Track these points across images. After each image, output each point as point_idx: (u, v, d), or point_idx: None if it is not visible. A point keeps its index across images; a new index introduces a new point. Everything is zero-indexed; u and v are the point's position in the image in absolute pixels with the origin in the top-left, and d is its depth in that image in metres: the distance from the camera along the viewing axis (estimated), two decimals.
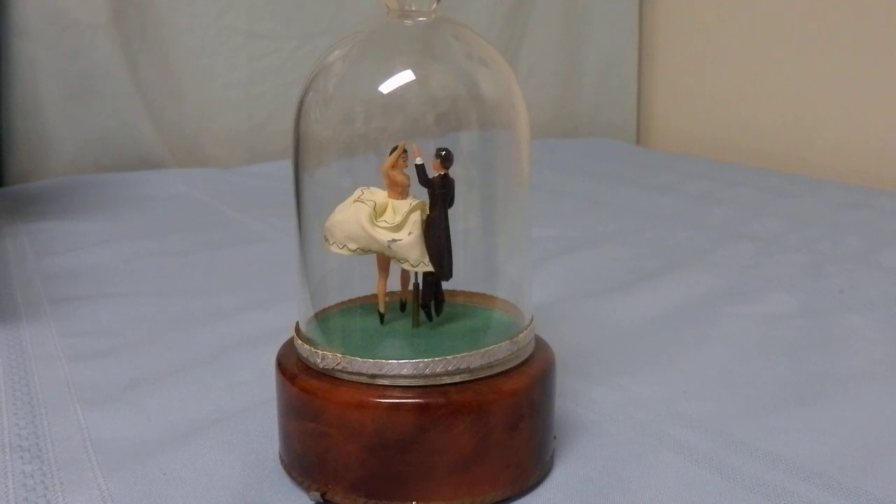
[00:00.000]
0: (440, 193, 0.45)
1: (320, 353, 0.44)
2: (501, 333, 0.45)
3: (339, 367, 0.43)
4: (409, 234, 0.44)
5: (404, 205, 0.45)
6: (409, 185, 0.45)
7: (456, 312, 0.48)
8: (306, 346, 0.45)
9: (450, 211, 0.45)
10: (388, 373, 0.42)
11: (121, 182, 1.27)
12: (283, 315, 0.64)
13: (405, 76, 0.45)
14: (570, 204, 1.18)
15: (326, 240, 0.46)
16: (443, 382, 0.42)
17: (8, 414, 0.54)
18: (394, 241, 0.44)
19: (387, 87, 0.45)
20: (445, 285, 0.47)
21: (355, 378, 0.43)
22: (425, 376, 0.42)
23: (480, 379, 0.43)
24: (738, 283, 0.82)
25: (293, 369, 0.45)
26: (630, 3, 1.79)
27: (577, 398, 0.56)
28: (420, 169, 0.44)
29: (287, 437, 0.45)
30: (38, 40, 1.26)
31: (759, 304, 0.75)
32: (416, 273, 0.46)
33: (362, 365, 0.42)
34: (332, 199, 0.46)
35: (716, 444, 0.50)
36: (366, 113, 0.47)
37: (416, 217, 0.45)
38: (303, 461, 0.44)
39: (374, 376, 0.42)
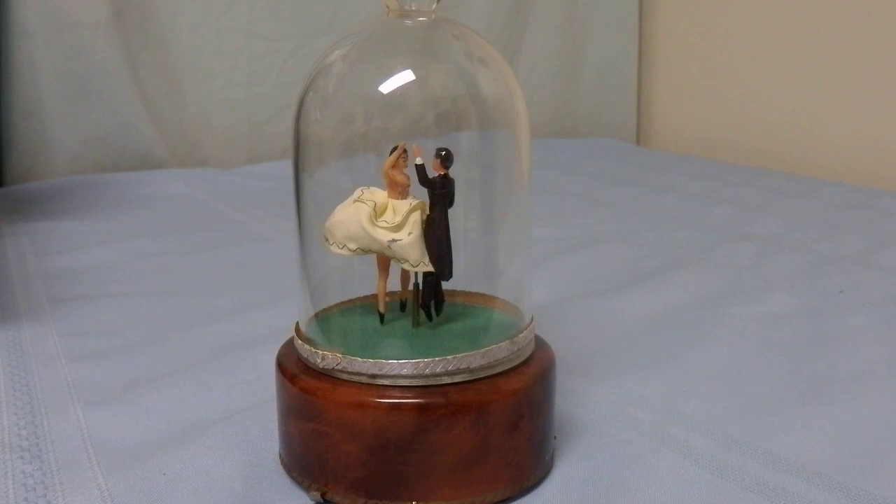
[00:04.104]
0: (440, 193, 0.45)
1: (320, 353, 0.44)
2: (501, 333, 0.45)
3: (339, 367, 0.43)
4: (409, 234, 0.44)
5: (404, 205, 0.45)
6: (409, 185, 0.45)
7: (456, 312, 0.48)
8: (306, 346, 0.45)
9: (450, 211, 0.45)
10: (388, 373, 0.42)
11: (121, 182, 1.27)
12: (283, 315, 0.64)
13: (405, 76, 0.45)
14: (570, 204, 1.18)
15: (326, 240, 0.46)
16: (443, 382, 0.42)
17: (8, 414, 0.54)
18: (394, 241, 0.44)
19: (387, 87, 0.45)
20: (445, 285, 0.47)
21: (355, 378, 0.43)
22: (425, 376, 0.42)
23: (480, 379, 0.43)
24: (738, 283, 0.82)
25: (293, 369, 0.45)
26: (630, 3, 1.79)
27: (577, 398, 0.56)
28: (420, 169, 0.44)
29: (287, 437, 0.45)
30: (38, 40, 1.26)
31: (759, 304, 0.75)
32: (416, 273, 0.46)
33: (362, 365, 0.43)
34: (332, 199, 0.46)
35: (716, 444, 0.50)
36: (366, 113, 0.47)
37: (416, 217, 0.45)
38: (303, 461, 0.44)
39: (374, 376, 0.42)
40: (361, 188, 0.46)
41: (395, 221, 0.45)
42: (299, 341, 0.46)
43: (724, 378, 0.60)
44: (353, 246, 0.45)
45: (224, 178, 1.34)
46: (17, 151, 1.29)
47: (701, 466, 0.48)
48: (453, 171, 0.45)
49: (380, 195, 0.45)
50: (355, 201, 0.45)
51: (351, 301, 0.50)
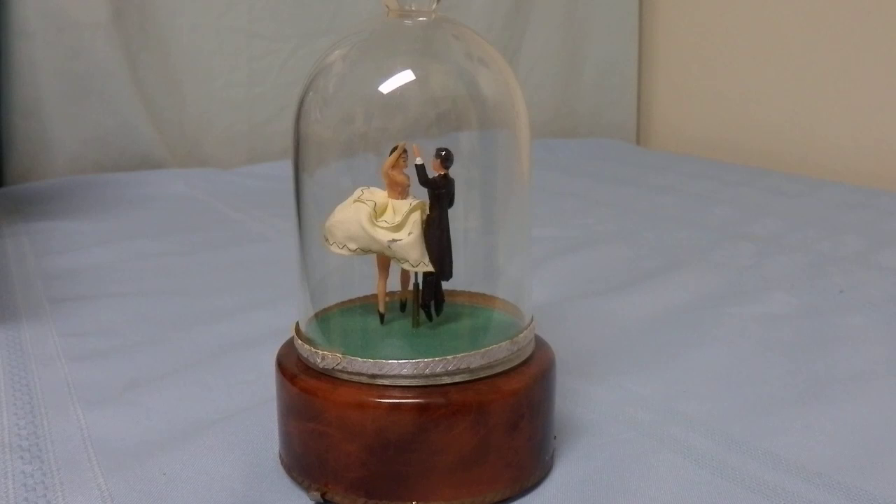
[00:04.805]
0: (440, 193, 0.45)
1: (320, 353, 0.44)
2: (501, 333, 0.45)
3: (339, 367, 0.43)
4: (409, 234, 0.44)
5: (404, 205, 0.45)
6: (409, 185, 0.45)
7: (456, 312, 0.48)
8: (306, 346, 0.45)
9: (450, 211, 0.45)
10: (388, 373, 0.42)
11: (121, 182, 1.27)
12: (283, 315, 0.64)
13: (405, 76, 0.45)
14: (570, 204, 1.18)
15: (326, 240, 0.46)
16: (443, 382, 0.42)
17: (8, 414, 0.54)
18: (394, 241, 0.44)
19: (387, 87, 0.45)
20: (445, 285, 0.47)
21: (355, 378, 0.43)
22: (425, 376, 0.42)
23: (480, 379, 0.43)
24: (738, 283, 0.82)
25: (293, 369, 0.45)
26: (630, 3, 1.79)
27: (577, 398, 0.56)
28: (420, 169, 0.44)
29: (287, 437, 0.45)
30: (38, 40, 1.26)
31: (759, 304, 0.75)
32: (416, 273, 0.46)
33: (362, 365, 0.43)
34: (332, 199, 0.46)
35: (716, 444, 0.50)
36: (366, 113, 0.47)
37: (416, 217, 0.45)
38: (303, 461, 0.44)
39: (374, 376, 0.42)
40: (361, 188, 0.46)
41: (395, 221, 0.45)
42: (299, 341, 0.46)
43: (724, 378, 0.60)
44: (353, 246, 0.45)
45: (224, 178, 1.34)
46: (17, 151, 1.29)
47: (701, 466, 0.48)
48: (453, 171, 0.45)
49: (380, 195, 0.45)
50: (355, 201, 0.45)
51: (351, 301, 0.50)
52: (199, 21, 1.39)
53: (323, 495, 0.43)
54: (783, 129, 1.55)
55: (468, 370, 0.43)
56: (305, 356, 0.45)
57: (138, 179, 1.29)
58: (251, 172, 1.37)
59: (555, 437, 0.48)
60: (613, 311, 0.74)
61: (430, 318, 0.47)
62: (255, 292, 0.78)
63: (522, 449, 0.44)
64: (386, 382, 0.42)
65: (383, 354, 0.43)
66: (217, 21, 1.40)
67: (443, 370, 0.42)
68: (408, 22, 0.47)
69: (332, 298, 0.49)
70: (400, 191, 0.45)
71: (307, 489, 0.44)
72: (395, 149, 0.45)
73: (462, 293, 0.50)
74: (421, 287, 0.47)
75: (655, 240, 0.99)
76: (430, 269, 0.45)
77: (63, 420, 0.53)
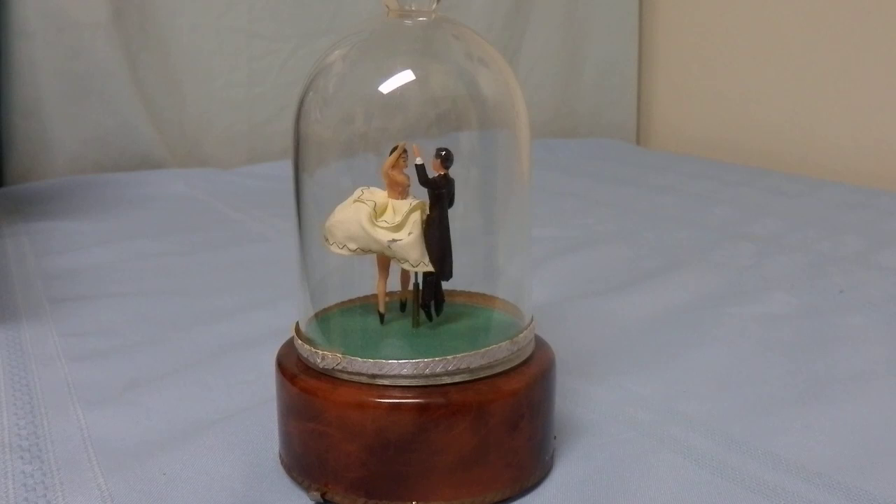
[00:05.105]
0: (440, 193, 0.45)
1: (320, 353, 0.44)
2: (501, 333, 0.45)
3: (339, 367, 0.43)
4: (409, 234, 0.44)
5: (404, 205, 0.45)
6: (409, 185, 0.45)
7: (456, 312, 0.48)
8: (306, 346, 0.45)
9: (450, 211, 0.45)
10: (388, 373, 0.42)
11: (121, 182, 1.27)
12: (283, 315, 0.64)
13: (405, 76, 0.45)
14: (570, 204, 1.18)
15: (326, 240, 0.46)
16: (443, 382, 0.42)
17: (8, 414, 0.54)
18: (394, 241, 0.44)
19: (387, 87, 0.45)
20: (445, 285, 0.47)
21: (355, 378, 0.43)
22: (425, 376, 0.42)
23: (480, 379, 0.43)
24: (738, 283, 0.82)
25: (293, 369, 0.45)
26: (630, 3, 1.79)
27: (577, 398, 0.56)
28: (420, 169, 0.44)
29: (287, 437, 0.45)
30: (38, 40, 1.26)
31: (759, 304, 0.75)
32: (416, 273, 0.46)
33: (362, 365, 0.43)
34: (332, 199, 0.46)
35: (716, 444, 0.50)
36: (366, 113, 0.47)
37: (416, 217, 0.45)
38: (303, 461, 0.44)
39: (374, 376, 0.42)
40: (361, 188, 0.46)
41: (395, 221, 0.45)
42: (299, 341, 0.46)
43: (724, 378, 0.60)
44: (353, 246, 0.45)
45: (224, 178, 1.34)
46: (17, 151, 1.29)
47: (701, 466, 0.48)
48: (453, 171, 0.45)
49: (380, 195, 0.45)
50: (355, 201, 0.45)
51: (351, 301, 0.50)
52: (199, 21, 1.39)
53: (323, 495, 0.43)
54: (783, 129, 1.55)
55: (468, 370, 0.43)
56: (305, 356, 0.45)
57: (138, 179, 1.29)
58: (251, 172, 1.37)
59: (555, 437, 0.48)
60: (613, 311, 0.74)
61: (430, 318, 0.47)
62: (255, 292, 0.78)
63: (522, 449, 0.44)
64: (386, 382, 0.42)
65: (383, 354, 0.43)
66: (217, 21, 1.40)
67: (443, 370, 0.42)
68: (408, 22, 0.47)
69: (332, 298, 0.49)
70: (400, 191, 0.45)
71: (307, 489, 0.44)
72: (395, 149, 0.45)
73: (462, 293, 0.50)
74: (421, 287, 0.47)
75: (655, 240, 0.99)
76: (430, 269, 0.45)
77: (63, 420, 0.53)
